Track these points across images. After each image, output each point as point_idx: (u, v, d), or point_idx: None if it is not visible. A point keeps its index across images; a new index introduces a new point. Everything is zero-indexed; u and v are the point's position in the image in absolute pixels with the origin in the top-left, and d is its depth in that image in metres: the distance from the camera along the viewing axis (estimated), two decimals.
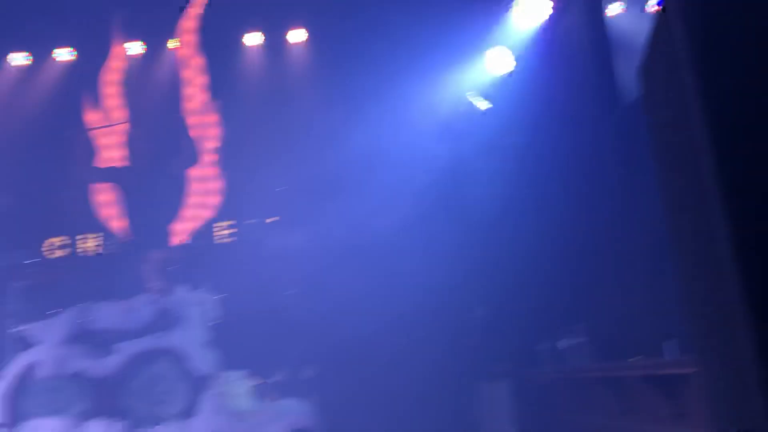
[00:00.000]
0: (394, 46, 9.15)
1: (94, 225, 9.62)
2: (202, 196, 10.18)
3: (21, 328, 7.73)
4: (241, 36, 10.48)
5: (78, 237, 9.75)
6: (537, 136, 8.05)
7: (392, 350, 8.35)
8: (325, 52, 10.38)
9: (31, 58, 10.33)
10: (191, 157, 8.71)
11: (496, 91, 8.87)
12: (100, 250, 8.60)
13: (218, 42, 10.35)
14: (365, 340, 8.57)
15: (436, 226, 8.45)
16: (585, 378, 6.65)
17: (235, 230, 10.09)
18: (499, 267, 7.99)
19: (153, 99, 10.11)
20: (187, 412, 7.42)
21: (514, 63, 8.71)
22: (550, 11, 8.35)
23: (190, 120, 10.24)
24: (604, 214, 7.00)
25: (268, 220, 9.93)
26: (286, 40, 10.54)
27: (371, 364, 8.45)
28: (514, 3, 8.32)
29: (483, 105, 8.91)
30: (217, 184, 10.18)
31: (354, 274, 8.75)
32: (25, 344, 7.74)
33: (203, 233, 9.88)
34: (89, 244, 9.84)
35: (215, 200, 10.19)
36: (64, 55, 10.31)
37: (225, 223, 10.09)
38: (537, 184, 7.93)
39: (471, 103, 8.73)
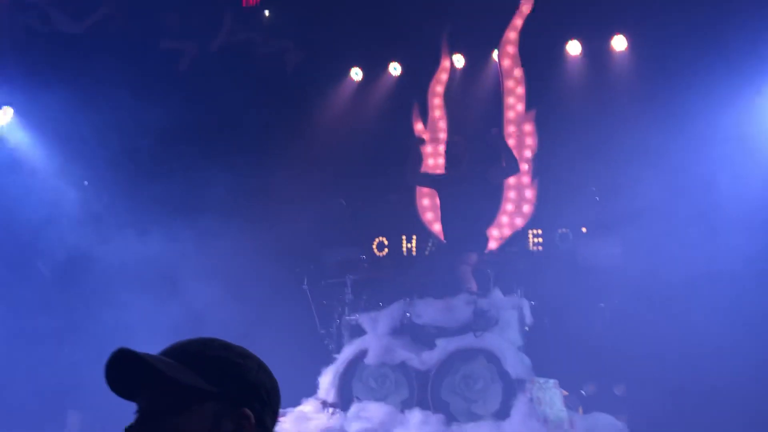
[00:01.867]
0: (723, 52, 8.57)
1: (418, 227, 10.26)
2: (517, 203, 10.37)
3: (355, 316, 8.50)
4: (563, 45, 10.51)
5: (404, 237, 10.51)
6: None
7: (716, 379, 7.79)
8: (648, 59, 10.02)
9: (361, 73, 11.34)
10: (509, 166, 8.91)
11: None
12: (425, 251, 9.16)
13: (539, 52, 10.48)
14: (686, 363, 8.11)
15: None
16: None
17: (545, 239, 10.15)
18: None
19: (474, 109, 10.54)
20: (501, 413, 7.59)
21: None
22: None
23: (509, 130, 10.50)
24: None
25: (582, 230, 9.83)
26: (609, 48, 10.35)
27: (691, 390, 7.97)
28: None
29: None
30: (531, 193, 10.30)
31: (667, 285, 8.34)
32: (356, 332, 8.49)
33: (518, 240, 10.07)
34: (413, 244, 10.54)
35: (529, 208, 10.32)
36: (396, 69, 11.18)
37: (538, 231, 10.19)
38: None
39: None
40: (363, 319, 8.34)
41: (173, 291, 9.04)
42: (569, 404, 8.14)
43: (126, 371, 1.47)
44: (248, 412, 1.49)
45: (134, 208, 9.29)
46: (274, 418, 1.61)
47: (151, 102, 9.02)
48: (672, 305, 8.42)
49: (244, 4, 10.52)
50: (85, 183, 9.80)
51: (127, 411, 1.55)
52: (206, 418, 1.45)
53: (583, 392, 8.95)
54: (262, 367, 1.59)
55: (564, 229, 9.97)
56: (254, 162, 10.35)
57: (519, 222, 10.35)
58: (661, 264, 8.54)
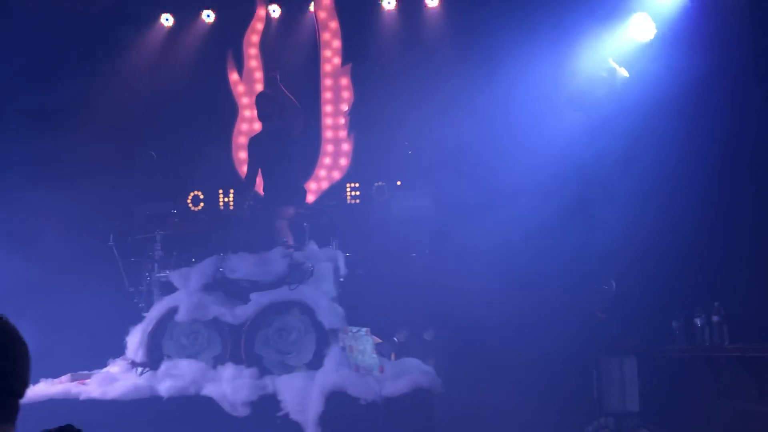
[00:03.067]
0: (532, 8, 8.96)
1: (234, 180, 10.06)
2: (334, 157, 10.43)
3: (164, 273, 8.22)
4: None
5: (221, 191, 10.27)
6: (679, 117, 7.68)
7: (516, 317, 8.30)
8: (460, 15, 10.29)
9: (172, 19, 10.81)
10: (291, 113, 8.87)
11: (636, 60, 8.54)
12: (243, 205, 8.99)
13: (354, 5, 10.49)
14: (487, 306, 8.56)
15: (570, 193, 8.29)
16: (720, 358, 6.40)
17: (362, 192, 10.30)
18: (633, 240, 7.76)
19: (291, 60, 10.39)
20: (314, 364, 7.69)
21: (656, 31, 8.34)
22: None
23: (326, 83, 10.48)
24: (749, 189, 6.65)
25: (397, 183, 10.06)
26: (423, 3, 10.53)
27: (493, 331, 8.44)
28: None
29: (623, 73, 8.60)
30: (348, 146, 10.40)
31: (478, 236, 8.73)
32: (167, 289, 8.23)
33: (335, 193, 10.15)
34: (230, 198, 10.34)
35: (346, 162, 10.42)
36: (209, 16, 10.75)
37: (355, 184, 10.32)
38: (679, 164, 7.60)
39: (611, 70, 8.45)
40: (173, 276, 8.09)
41: None
42: (382, 351, 8.39)
43: None
44: None
45: None
46: (20, 383, 1.58)
47: None
48: (478, 254, 8.81)
49: None
50: None
51: None
52: None
53: (395, 339, 9.28)
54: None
55: (380, 183, 10.14)
56: (57, 121, 9.63)
57: (336, 175, 10.44)
58: (468, 215, 8.91)
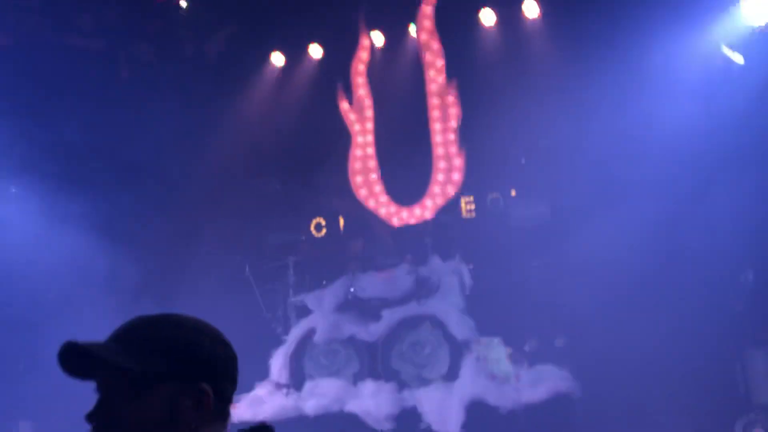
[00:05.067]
0: (635, 6, 8.89)
1: (353, 205, 10.40)
2: (447, 173, 10.61)
3: (300, 297, 8.62)
4: (476, 14, 10.74)
5: (341, 217, 10.63)
6: None
7: (649, 318, 8.18)
8: (562, 22, 10.31)
9: (282, 57, 11.35)
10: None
11: (752, 44, 8.34)
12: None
13: (455, 23, 10.70)
14: (618, 308, 8.47)
15: (690, 188, 8.14)
16: None
17: (478, 204, 10.42)
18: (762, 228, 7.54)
19: (398, 84, 10.70)
20: (450, 375, 7.85)
21: None
22: None
23: (432, 102, 10.71)
24: None
25: (512, 193, 10.14)
26: (521, 14, 10.63)
27: (627, 333, 8.34)
28: None
29: (738, 59, 8.42)
30: (460, 161, 10.55)
31: (601, 239, 8.66)
32: (302, 312, 8.62)
33: (451, 208, 10.31)
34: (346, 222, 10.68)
35: (459, 177, 10.57)
36: (316, 51, 11.23)
37: (470, 198, 10.45)
38: None
39: (726, 58, 8.28)
40: (308, 299, 8.47)
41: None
42: (515, 360, 8.44)
43: (78, 359, 1.48)
44: (205, 386, 1.50)
45: None
46: (233, 386, 1.63)
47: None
48: (601, 257, 8.74)
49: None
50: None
51: (78, 420, 1.58)
52: (163, 399, 1.47)
53: (526, 348, 9.30)
54: (216, 339, 1.59)
55: (494, 194, 10.25)
56: (184, 161, 10.23)
57: (450, 190, 10.60)
58: (587, 220, 8.87)
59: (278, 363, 8.29)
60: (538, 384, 7.64)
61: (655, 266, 8.29)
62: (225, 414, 1.57)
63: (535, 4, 10.61)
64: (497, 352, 8.03)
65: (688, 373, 7.74)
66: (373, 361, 8.05)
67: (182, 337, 1.53)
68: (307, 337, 8.29)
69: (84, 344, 1.49)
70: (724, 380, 7.78)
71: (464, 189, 10.54)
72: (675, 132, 8.29)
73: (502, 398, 7.42)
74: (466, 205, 10.56)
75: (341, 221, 10.75)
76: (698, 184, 8.35)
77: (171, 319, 1.58)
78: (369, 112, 10.71)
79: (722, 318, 7.97)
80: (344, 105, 10.78)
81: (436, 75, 10.79)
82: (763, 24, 8.15)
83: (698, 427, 7.28)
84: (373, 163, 10.51)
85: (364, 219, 10.11)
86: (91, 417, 1.51)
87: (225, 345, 1.61)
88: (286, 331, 8.63)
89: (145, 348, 1.50)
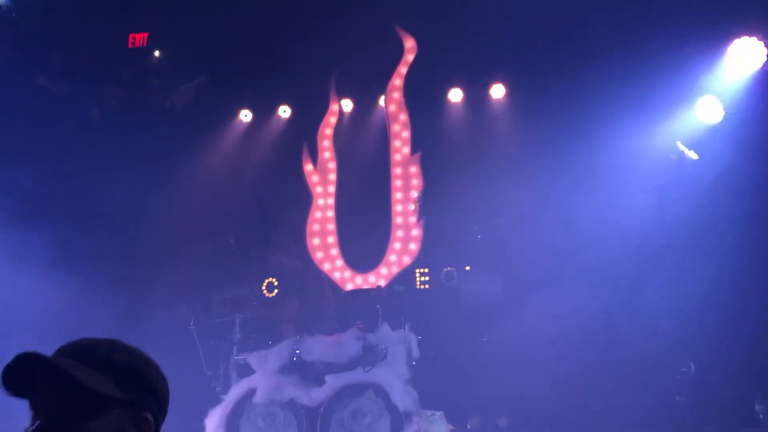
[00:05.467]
0: (597, 97, 9.20)
1: (308, 267, 10.35)
2: (404, 242, 10.67)
3: (242, 356, 8.45)
4: (446, 91, 11.02)
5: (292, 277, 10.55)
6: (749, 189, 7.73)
7: (595, 404, 8.19)
8: (526, 105, 10.61)
9: (251, 115, 11.46)
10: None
11: (705, 141, 8.65)
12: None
13: (423, 97, 10.95)
14: (564, 392, 8.48)
15: (646, 277, 8.28)
16: None
17: (432, 277, 10.45)
18: (712, 321, 7.67)
19: (362, 151, 10.84)
20: None
21: (724, 113, 8.47)
22: (765, 58, 8.09)
23: (395, 171, 10.84)
24: None
25: (466, 268, 10.20)
26: (488, 96, 10.92)
27: (568, 411, 8.32)
28: (727, 50, 8.14)
29: (691, 155, 8.71)
30: (418, 232, 10.63)
31: (549, 318, 8.72)
32: (244, 372, 8.43)
33: (405, 278, 10.32)
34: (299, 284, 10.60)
35: (416, 247, 10.63)
36: (285, 111, 11.38)
37: (424, 269, 10.49)
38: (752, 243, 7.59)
39: (680, 153, 8.56)
40: (251, 358, 8.30)
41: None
42: None
43: (27, 372, 1.47)
44: (149, 416, 1.56)
45: None
46: (163, 420, 1.69)
47: None
48: (548, 337, 8.77)
49: (130, 45, 10.45)
50: None
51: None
52: (113, 423, 1.49)
53: (468, 426, 9.20)
54: (158, 372, 1.66)
55: (449, 268, 10.30)
56: (142, 208, 10.13)
57: (407, 260, 10.64)
58: (536, 300, 8.94)
59: (214, 422, 8.04)
60: None
61: (595, 355, 8.37)
62: None
63: (502, 87, 10.94)
64: (438, 427, 7.91)
65: None
66: (312, 427, 7.86)
67: (137, 364, 1.57)
68: (247, 397, 8.08)
69: (51, 358, 1.47)
70: None
71: (420, 261, 10.59)
72: (627, 220, 8.49)
73: None
74: (420, 276, 10.59)
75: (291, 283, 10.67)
76: (644, 272, 8.50)
77: (122, 343, 1.60)
78: (332, 176, 10.79)
79: (663, 408, 8.00)
80: (308, 166, 10.85)
81: (401, 145, 10.97)
82: (716, 121, 8.48)
83: None
84: (331, 227, 10.54)
85: (317, 282, 10.07)
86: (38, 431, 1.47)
87: (164, 379, 1.68)
88: (226, 390, 8.42)
89: (105, 369, 1.50)
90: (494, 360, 9.18)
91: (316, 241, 10.44)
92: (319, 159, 10.94)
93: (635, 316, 8.04)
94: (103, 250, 9.31)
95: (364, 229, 10.25)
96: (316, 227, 10.65)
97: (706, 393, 7.82)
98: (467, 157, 10.57)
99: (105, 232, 9.52)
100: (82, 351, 1.55)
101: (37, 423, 1.50)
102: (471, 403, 9.09)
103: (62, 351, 1.56)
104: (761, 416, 7.21)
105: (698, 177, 8.41)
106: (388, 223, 10.66)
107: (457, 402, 8.75)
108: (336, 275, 10.33)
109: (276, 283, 10.25)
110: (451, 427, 8.31)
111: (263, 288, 10.21)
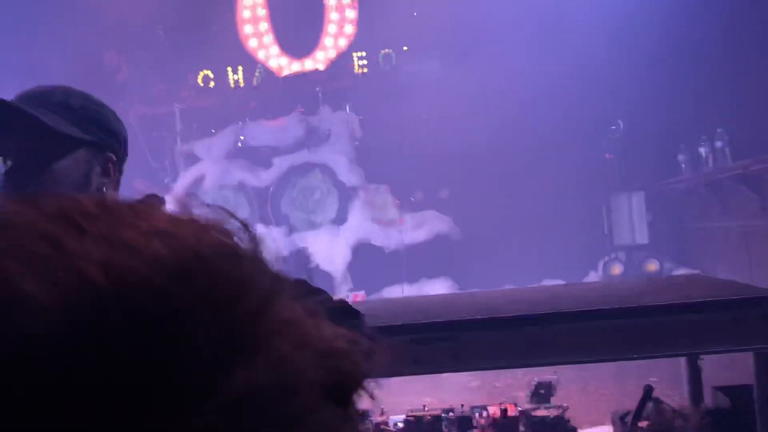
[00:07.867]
0: None
1: (241, 56, 10.17)
2: (340, 24, 10.49)
3: (187, 145, 8.54)
4: None
5: (229, 68, 10.39)
6: None
7: (527, 161, 8.57)
8: None
9: None
10: None
11: None
12: (252, 80, 9.16)
13: None
14: (498, 153, 8.81)
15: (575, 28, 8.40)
16: (723, 179, 6.74)
17: (370, 60, 10.42)
18: (638, 78, 7.97)
19: None
20: (338, 220, 8.11)
21: None
22: None
23: None
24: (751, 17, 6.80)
25: (404, 49, 10.17)
26: None
27: (505, 176, 8.71)
28: None
29: None
30: (353, 13, 10.44)
31: (485, 93, 8.90)
32: (191, 161, 8.57)
33: (343, 63, 10.27)
34: (239, 75, 10.47)
35: (352, 29, 10.48)
36: None
37: (362, 53, 10.41)
38: None
39: None
40: (197, 147, 8.41)
41: None
42: (402, 207, 8.77)
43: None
44: (111, 155, 1.62)
45: None
46: (124, 161, 1.82)
47: None
48: (485, 113, 8.99)
49: None
50: None
51: None
52: (81, 162, 1.58)
53: (412, 199, 9.65)
54: (115, 116, 1.70)
55: (387, 50, 10.25)
56: None
57: (342, 43, 10.52)
58: (475, 73, 9.05)
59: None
60: (421, 226, 8.01)
61: (532, 116, 8.63)
62: (118, 185, 1.69)
63: None
64: (383, 198, 8.31)
65: (560, 216, 8.27)
66: (263, 207, 8.19)
67: (94, 107, 1.63)
68: (196, 184, 8.30)
69: (20, 105, 1.51)
70: (592, 222, 8.38)
71: (356, 45, 10.48)
72: None
73: (387, 239, 7.77)
74: (359, 61, 10.54)
75: (229, 72, 10.53)
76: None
77: (74, 90, 1.64)
78: None
79: (595, 165, 8.50)
80: None
81: None
82: None
83: (565, 263, 7.85)
84: (263, 12, 10.25)
85: (252, 70, 9.96)
86: (10, 172, 1.53)
87: (123, 124, 1.71)
88: (175, 179, 8.59)
89: (64, 114, 1.56)
90: (434, 136, 9.44)
91: (248, 29, 10.19)
92: None
93: (569, 76, 8.26)
94: None
95: (297, 13, 10.01)
96: (247, 14, 10.34)
97: (633, 149, 8.29)
98: None
99: None
100: (40, 98, 1.60)
101: (9, 164, 1.59)
102: (414, 177, 9.45)
103: (20, 98, 1.64)
104: (683, 165, 7.75)
105: None
106: (321, 6, 10.41)
107: (401, 177, 9.08)
108: (272, 63, 10.20)
109: (212, 76, 10.10)
110: (396, 201, 8.72)
111: (199, 80, 10.06)
